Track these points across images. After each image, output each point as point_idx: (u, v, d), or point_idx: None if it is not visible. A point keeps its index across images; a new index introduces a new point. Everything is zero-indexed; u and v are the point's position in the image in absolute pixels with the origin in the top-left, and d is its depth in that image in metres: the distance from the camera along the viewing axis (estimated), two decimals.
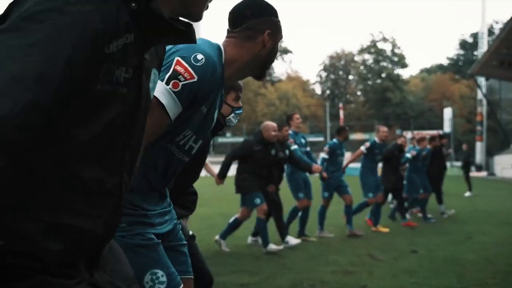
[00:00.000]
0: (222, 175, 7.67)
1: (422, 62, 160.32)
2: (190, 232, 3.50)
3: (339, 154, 9.64)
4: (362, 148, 10.25)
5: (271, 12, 2.34)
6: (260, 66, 2.36)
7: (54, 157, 1.09)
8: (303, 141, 9.12)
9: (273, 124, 7.61)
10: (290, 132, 8.37)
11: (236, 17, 2.31)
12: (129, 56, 1.20)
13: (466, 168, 20.31)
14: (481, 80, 55.80)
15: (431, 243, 8.55)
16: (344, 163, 10.03)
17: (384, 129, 10.30)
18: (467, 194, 19.52)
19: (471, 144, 66.05)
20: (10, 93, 0.94)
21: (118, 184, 1.27)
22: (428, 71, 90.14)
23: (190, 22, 1.46)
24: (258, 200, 7.39)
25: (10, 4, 1.08)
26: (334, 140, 9.80)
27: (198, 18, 1.50)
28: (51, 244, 1.11)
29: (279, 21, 2.36)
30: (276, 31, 2.34)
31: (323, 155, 9.78)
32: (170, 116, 2.00)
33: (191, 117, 2.13)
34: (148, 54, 1.34)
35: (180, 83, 2.00)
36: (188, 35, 1.37)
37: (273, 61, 2.40)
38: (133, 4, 1.19)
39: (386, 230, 9.98)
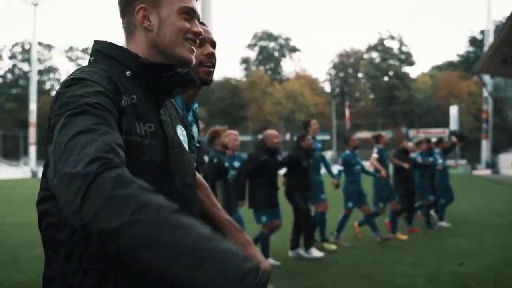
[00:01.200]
0: (241, 196, 7.51)
1: (433, 59, 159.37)
2: None
3: (354, 164, 9.54)
4: (375, 155, 10.15)
5: None
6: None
7: None
8: (319, 145, 9.12)
9: (274, 132, 7.78)
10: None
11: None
12: (142, 112, 1.41)
13: None
14: (487, 78, 55.73)
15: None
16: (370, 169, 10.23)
17: (387, 135, 10.56)
18: None
19: (478, 142, 66.14)
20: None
21: None
22: (439, 68, 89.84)
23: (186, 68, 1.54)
24: (264, 219, 7.40)
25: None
26: (347, 151, 9.73)
27: (185, 60, 1.52)
28: None
29: None
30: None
31: (338, 167, 9.94)
32: None
33: None
34: (166, 110, 1.53)
35: None
36: (188, 80, 1.51)
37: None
38: (128, 72, 1.45)
39: (405, 237, 9.91)
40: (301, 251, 8.00)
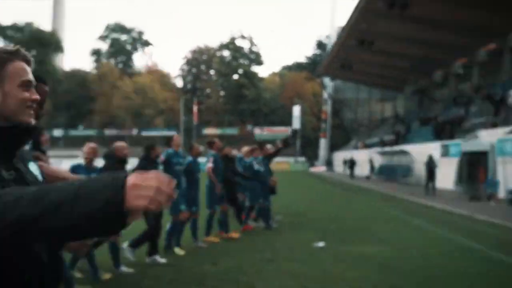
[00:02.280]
0: None
1: (284, 60, 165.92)
2: None
3: (196, 171, 9.32)
4: (210, 165, 9.98)
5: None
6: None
7: None
8: (180, 160, 8.93)
9: (123, 143, 7.68)
10: (170, 151, 8.55)
11: None
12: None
13: None
14: (328, 81, 59.42)
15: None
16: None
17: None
18: None
19: (317, 141, 70.30)
20: None
21: None
22: (289, 68, 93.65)
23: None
24: None
25: None
26: (189, 158, 9.39)
27: (27, 124, 1.74)
28: None
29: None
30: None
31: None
32: None
33: None
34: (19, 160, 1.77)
35: None
36: (28, 131, 1.75)
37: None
38: None
39: (236, 235, 10.28)
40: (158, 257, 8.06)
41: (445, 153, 23.17)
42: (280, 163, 58.67)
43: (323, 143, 67.26)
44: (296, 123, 70.08)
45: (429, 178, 20.86)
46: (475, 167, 19.98)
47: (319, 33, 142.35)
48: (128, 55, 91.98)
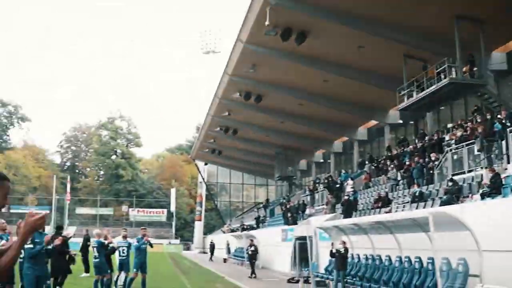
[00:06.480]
0: None
1: (167, 142, 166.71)
2: None
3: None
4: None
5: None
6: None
7: None
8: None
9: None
10: None
11: None
12: None
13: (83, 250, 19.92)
14: (202, 164, 60.62)
15: None
16: None
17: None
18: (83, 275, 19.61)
19: (193, 223, 70.58)
20: None
21: None
22: (171, 150, 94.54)
23: None
24: None
25: None
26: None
27: None
28: None
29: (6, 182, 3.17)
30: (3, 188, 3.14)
31: None
32: None
33: None
34: None
35: None
36: None
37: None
38: None
39: None
40: None
41: (285, 237, 24.51)
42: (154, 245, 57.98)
43: (197, 226, 67.61)
44: (173, 205, 70.33)
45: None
46: (306, 251, 21.26)
47: (199, 117, 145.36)
48: (4, 130, 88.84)
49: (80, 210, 75.27)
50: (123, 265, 14.30)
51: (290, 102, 29.91)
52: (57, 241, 11.10)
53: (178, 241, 67.93)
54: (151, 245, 14.57)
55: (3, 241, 8.27)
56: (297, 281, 18.71)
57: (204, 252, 56.64)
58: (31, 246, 8.66)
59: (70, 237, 15.69)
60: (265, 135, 38.44)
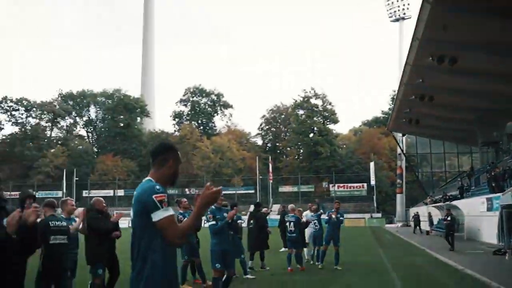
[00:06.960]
0: None
1: (363, 115, 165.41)
2: None
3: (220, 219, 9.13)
4: None
5: (173, 148, 3.77)
6: (171, 179, 3.70)
7: None
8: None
9: (100, 198, 9.37)
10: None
11: (153, 155, 3.75)
12: None
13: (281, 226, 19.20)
14: (399, 135, 58.98)
15: None
16: None
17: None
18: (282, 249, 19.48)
19: (395, 196, 69.23)
20: None
21: None
22: (368, 124, 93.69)
23: None
24: (100, 271, 8.73)
25: None
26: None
27: None
28: None
29: (178, 153, 3.75)
30: (177, 159, 3.72)
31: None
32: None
33: None
34: None
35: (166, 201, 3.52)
36: None
37: (177, 175, 3.74)
38: None
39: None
40: None
41: (490, 207, 22.73)
42: (354, 219, 58.43)
43: (399, 199, 66.21)
44: (373, 179, 69.64)
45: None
46: None
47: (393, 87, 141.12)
48: (209, 117, 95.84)
49: (283, 189, 78.16)
50: (316, 238, 14.51)
51: (488, 61, 27.60)
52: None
53: (379, 214, 67.26)
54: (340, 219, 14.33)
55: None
56: (504, 253, 17.29)
57: (408, 225, 55.33)
58: (213, 222, 8.85)
59: (268, 213, 16.33)
60: (464, 99, 36.03)
